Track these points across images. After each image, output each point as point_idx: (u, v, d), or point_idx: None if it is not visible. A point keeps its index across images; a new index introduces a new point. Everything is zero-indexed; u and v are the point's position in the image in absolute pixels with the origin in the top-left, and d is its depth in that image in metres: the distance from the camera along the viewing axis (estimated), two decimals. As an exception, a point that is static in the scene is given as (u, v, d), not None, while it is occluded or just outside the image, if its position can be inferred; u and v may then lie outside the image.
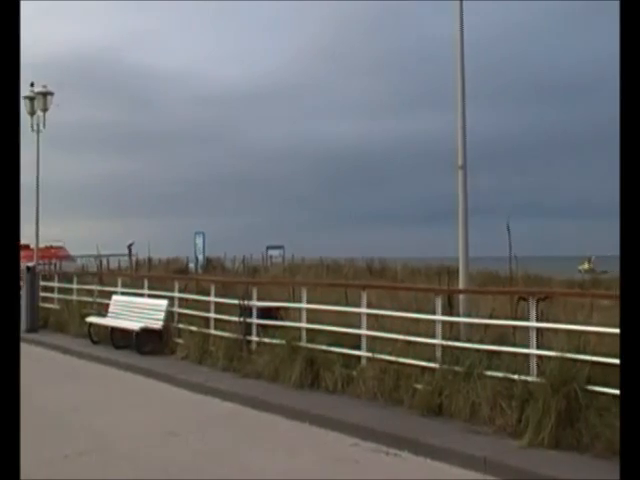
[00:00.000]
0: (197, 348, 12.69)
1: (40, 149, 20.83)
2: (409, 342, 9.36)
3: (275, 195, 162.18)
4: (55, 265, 30.43)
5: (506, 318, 8.97)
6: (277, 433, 8.46)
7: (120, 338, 14.46)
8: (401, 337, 9.42)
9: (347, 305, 10.93)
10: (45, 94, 20.41)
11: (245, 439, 8.17)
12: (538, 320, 8.06)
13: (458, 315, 9.47)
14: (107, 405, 10.05)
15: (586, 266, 48.77)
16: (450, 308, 9.60)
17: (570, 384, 7.18)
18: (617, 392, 6.92)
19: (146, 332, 13.81)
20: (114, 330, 14.70)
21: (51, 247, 48.10)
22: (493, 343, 8.56)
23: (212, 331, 12.79)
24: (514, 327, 8.70)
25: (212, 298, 13.21)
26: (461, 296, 9.72)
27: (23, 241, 18.75)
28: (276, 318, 11.77)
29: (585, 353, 7.43)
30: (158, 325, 13.85)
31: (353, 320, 10.33)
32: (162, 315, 13.89)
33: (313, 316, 11.02)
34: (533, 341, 7.98)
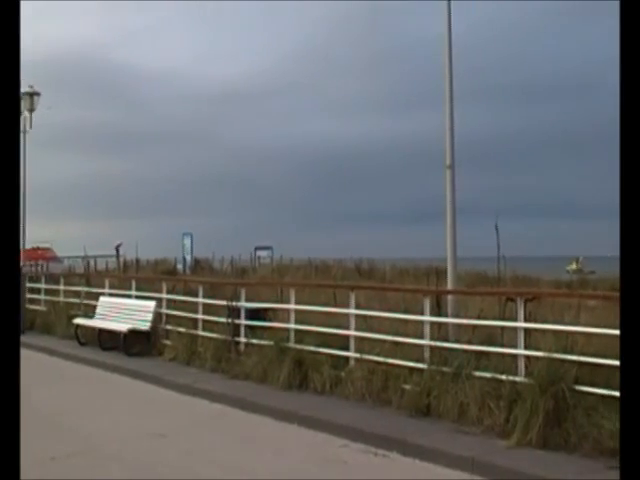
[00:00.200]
0: (185, 349, 12.65)
1: (27, 150, 20.70)
2: (397, 343, 9.37)
3: (264, 195, 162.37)
4: (42, 266, 30.24)
5: (494, 319, 8.99)
6: (266, 434, 8.44)
7: (107, 340, 14.40)
8: (389, 338, 9.44)
9: (335, 306, 10.92)
10: (32, 94, 20.24)
11: (233, 440, 8.15)
12: (526, 321, 8.08)
13: (446, 316, 9.48)
14: (94, 407, 10.00)
15: (574, 266, 49.07)
16: (438, 309, 9.60)
17: (558, 384, 7.20)
18: (604, 392, 6.98)
19: (134, 333, 13.74)
20: (101, 332, 14.63)
21: (38, 248, 47.79)
22: (481, 344, 8.58)
23: (200, 332, 12.75)
24: (502, 328, 8.72)
25: (200, 299, 13.17)
26: (449, 297, 9.74)
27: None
28: (264, 319, 11.76)
29: (573, 353, 7.46)
30: (146, 326, 13.79)
31: (341, 321, 10.33)
32: (150, 316, 13.83)
33: (301, 317, 11.01)
34: (521, 341, 8.00)
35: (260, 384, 10.46)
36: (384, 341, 9.49)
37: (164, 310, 14.01)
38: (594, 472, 6.37)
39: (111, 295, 16.07)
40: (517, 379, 7.74)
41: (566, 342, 7.69)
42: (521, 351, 7.96)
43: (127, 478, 6.79)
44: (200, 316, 12.96)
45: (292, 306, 11.07)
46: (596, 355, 7.37)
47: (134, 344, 13.70)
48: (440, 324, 9.35)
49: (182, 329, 13.11)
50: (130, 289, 15.58)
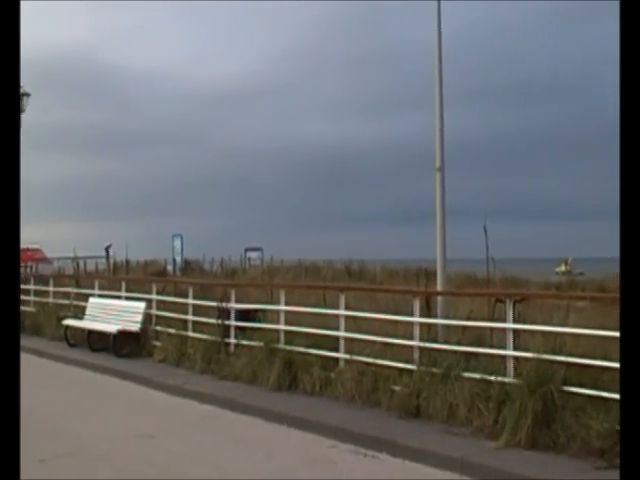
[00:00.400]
0: (175, 350, 12.63)
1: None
2: (387, 344, 9.39)
3: (255, 196, 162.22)
4: (31, 268, 30.13)
5: (483, 320, 9.03)
6: (255, 435, 8.44)
7: (97, 341, 14.36)
8: (379, 339, 9.46)
9: (325, 307, 10.93)
10: (22, 95, 20.17)
11: (223, 441, 8.14)
12: (515, 322, 8.11)
13: (436, 317, 9.51)
14: (83, 408, 9.97)
15: (563, 268, 49.19)
16: (428, 310, 9.63)
17: (546, 385, 7.23)
18: (592, 392, 7.02)
19: (123, 335, 13.71)
20: (91, 333, 14.59)
21: (27, 249, 47.55)
22: (470, 345, 8.61)
23: (190, 333, 12.74)
24: (491, 329, 8.76)
25: (190, 300, 13.16)
26: (439, 298, 9.76)
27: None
28: (254, 320, 11.75)
29: (561, 354, 7.50)
30: (136, 328, 13.77)
31: (331, 322, 10.34)
32: (140, 317, 13.81)
33: (291, 318, 11.01)
34: (510, 343, 8.03)
35: (250, 385, 10.46)
36: (374, 342, 9.51)
37: (154, 311, 13.99)
38: (582, 472, 6.40)
39: (101, 296, 16.03)
40: (506, 380, 7.77)
41: (555, 343, 7.74)
42: (510, 352, 7.99)
43: (116, 479, 6.78)
44: (190, 317, 12.95)
45: (282, 307, 11.08)
46: (584, 356, 7.42)
47: (124, 345, 13.67)
48: (430, 325, 9.38)
49: (172, 330, 13.09)
50: (120, 290, 15.55)
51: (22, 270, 25.66)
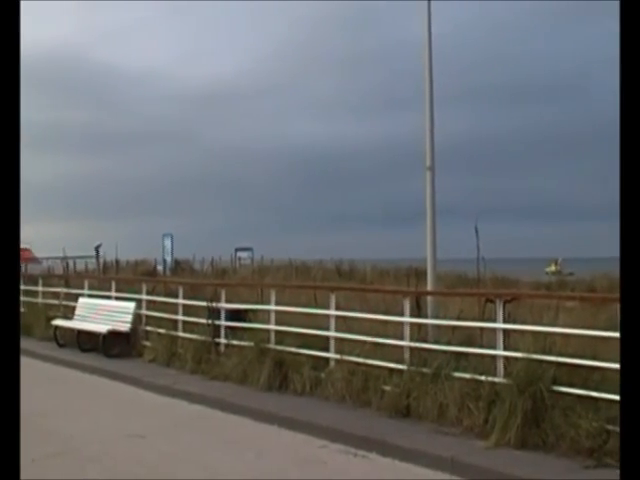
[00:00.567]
0: (165, 351, 12.60)
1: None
2: (377, 344, 9.39)
3: (246, 196, 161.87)
4: (20, 267, 29.98)
5: (473, 320, 9.04)
6: (245, 435, 8.42)
7: (87, 341, 14.30)
8: (369, 339, 9.46)
9: (316, 307, 10.93)
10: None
11: (213, 441, 8.12)
12: (505, 322, 8.13)
13: (426, 317, 9.51)
14: (73, 408, 9.94)
15: (553, 268, 49.46)
16: (418, 310, 9.64)
17: (536, 385, 7.25)
18: (581, 392, 7.05)
19: (113, 335, 13.67)
20: (80, 333, 14.53)
21: (17, 249, 47.28)
22: (461, 345, 8.62)
23: (180, 333, 12.71)
24: (481, 329, 8.77)
25: (180, 300, 13.13)
26: (429, 298, 9.77)
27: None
28: (245, 320, 11.73)
29: (551, 354, 7.51)
30: (125, 328, 13.72)
31: (322, 322, 10.33)
32: (129, 318, 13.77)
33: (282, 318, 11.00)
34: (500, 342, 8.04)
35: (240, 385, 10.44)
36: (364, 342, 9.51)
37: (144, 311, 13.95)
38: (571, 472, 6.42)
39: (90, 296, 15.96)
40: (496, 380, 7.78)
41: (544, 343, 7.75)
42: (500, 352, 8.00)
43: (106, 479, 6.75)
44: (180, 317, 12.92)
45: (272, 307, 11.06)
46: (574, 356, 7.44)
47: (113, 345, 13.63)
48: (420, 325, 9.39)
49: (162, 330, 13.06)
50: (110, 290, 15.49)
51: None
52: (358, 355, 9.38)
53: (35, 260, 46.32)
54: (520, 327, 8.18)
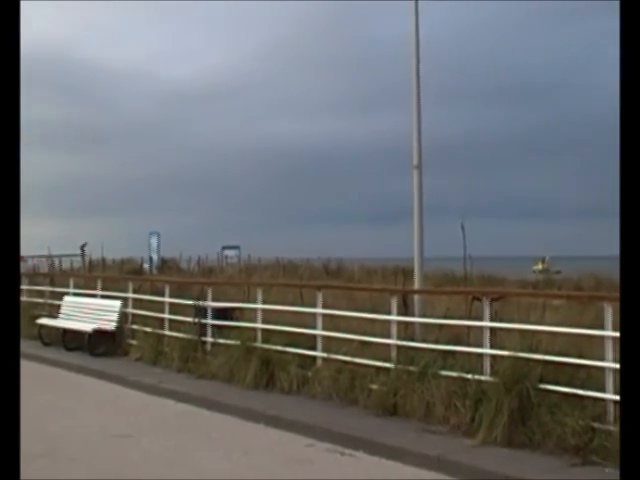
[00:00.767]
0: (151, 349, 12.56)
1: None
2: (364, 342, 9.38)
3: (232, 194, 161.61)
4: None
5: (460, 318, 9.05)
6: (232, 434, 8.39)
7: (72, 340, 14.22)
8: (356, 337, 9.45)
9: (303, 305, 10.91)
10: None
11: (199, 440, 8.09)
12: (492, 320, 8.14)
13: (413, 315, 9.51)
14: (58, 408, 9.86)
15: (540, 266, 49.63)
16: (405, 308, 9.63)
17: (522, 383, 7.27)
18: (568, 390, 7.07)
19: (99, 333, 13.60)
20: (66, 332, 14.45)
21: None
22: (448, 343, 8.62)
23: (167, 332, 12.66)
24: (468, 327, 8.78)
25: (167, 299, 13.08)
26: (416, 296, 9.77)
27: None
28: (231, 319, 11.70)
29: (537, 352, 7.53)
30: (111, 326, 13.66)
31: (309, 320, 10.32)
32: (115, 316, 13.71)
33: (269, 316, 10.98)
34: (487, 341, 8.06)
35: (227, 384, 10.42)
36: (351, 340, 9.50)
37: (130, 310, 13.90)
38: (558, 470, 6.44)
39: (76, 295, 15.88)
40: (483, 378, 7.79)
41: (531, 341, 7.77)
42: (487, 350, 8.01)
43: (92, 479, 6.70)
44: (166, 316, 12.87)
45: (259, 306, 11.04)
46: (560, 354, 7.46)
47: (99, 344, 13.57)
48: (407, 323, 9.38)
49: (148, 329, 13.01)
50: (96, 289, 15.41)
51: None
52: (345, 353, 9.38)
53: (20, 259, 46.03)
54: (507, 325, 8.20)
